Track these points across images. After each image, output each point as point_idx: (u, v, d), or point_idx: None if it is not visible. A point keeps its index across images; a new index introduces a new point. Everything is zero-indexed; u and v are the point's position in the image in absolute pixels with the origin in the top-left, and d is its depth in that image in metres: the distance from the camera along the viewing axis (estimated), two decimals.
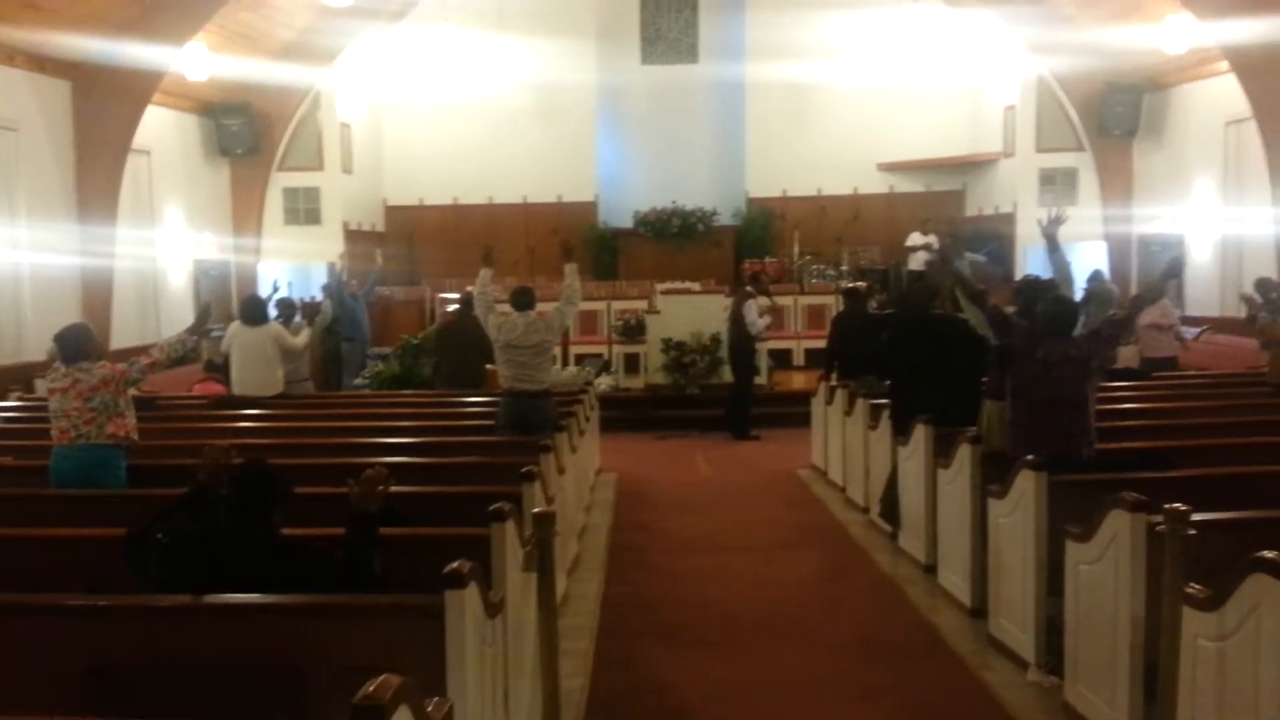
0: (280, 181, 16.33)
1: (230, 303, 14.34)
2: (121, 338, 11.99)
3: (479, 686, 3.43)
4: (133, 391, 6.11)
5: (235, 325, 8.95)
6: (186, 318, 14.19)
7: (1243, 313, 9.54)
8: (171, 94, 13.67)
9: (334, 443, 7.04)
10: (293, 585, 3.56)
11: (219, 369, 9.60)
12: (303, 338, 9.19)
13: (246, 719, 3.27)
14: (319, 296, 13.25)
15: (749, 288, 12.26)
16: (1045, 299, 5.71)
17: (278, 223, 16.35)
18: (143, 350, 6.57)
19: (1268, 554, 3.19)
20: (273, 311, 9.57)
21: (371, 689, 2.23)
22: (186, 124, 14.78)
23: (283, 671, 3.30)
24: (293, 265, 15.98)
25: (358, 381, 12.90)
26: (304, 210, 16.49)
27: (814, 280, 16.48)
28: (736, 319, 11.69)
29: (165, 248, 13.95)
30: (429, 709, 2.46)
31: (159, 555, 3.71)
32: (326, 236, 16.40)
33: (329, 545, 3.86)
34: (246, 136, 15.32)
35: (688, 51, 18.93)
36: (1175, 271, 7.25)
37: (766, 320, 12.04)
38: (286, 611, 3.43)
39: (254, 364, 8.68)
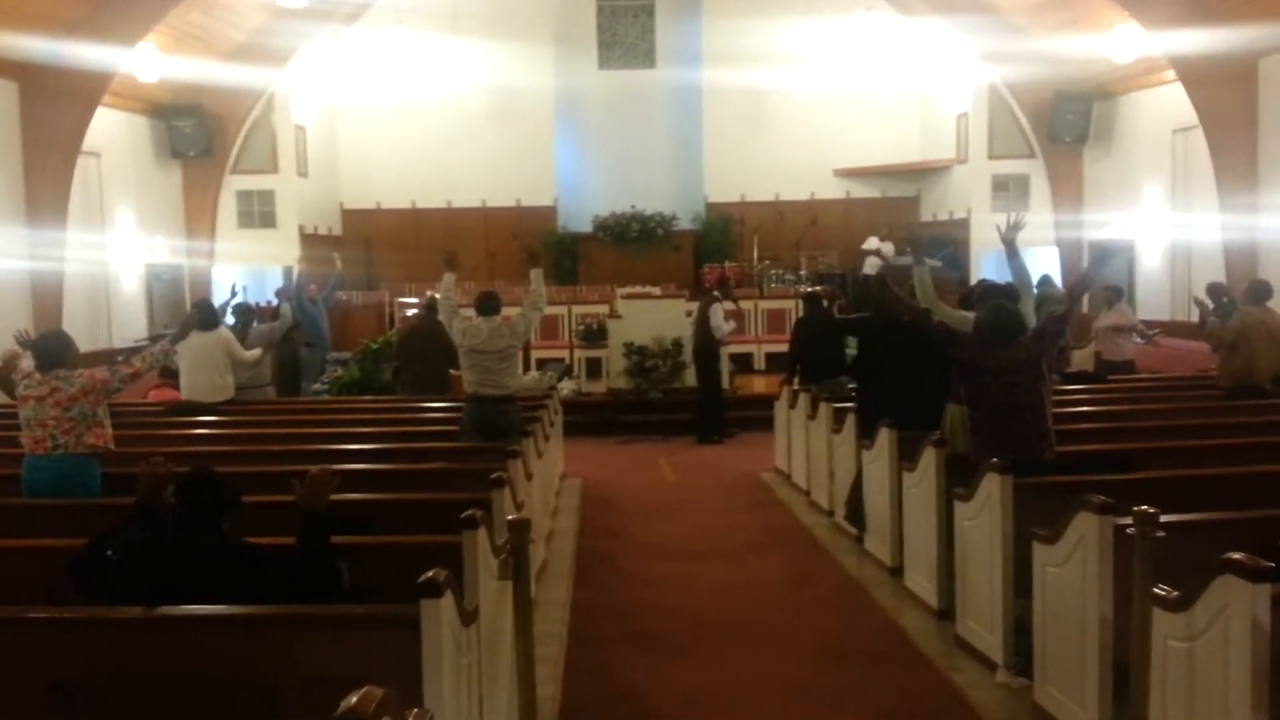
0: (234, 184, 16.11)
1: (185, 307, 14.10)
2: None
3: (455, 696, 3.39)
4: None
5: None
6: (139, 322, 13.97)
7: (1195, 317, 9.73)
8: (122, 95, 13.43)
9: (294, 449, 6.92)
10: (251, 592, 3.50)
11: (174, 375, 9.42)
12: (253, 354, 9.04)
13: None
14: (275, 301, 13.06)
15: (716, 292, 12.29)
16: (986, 308, 5.63)
17: (231, 226, 16.13)
18: (99, 355, 6.43)
19: (1236, 555, 3.24)
20: (230, 319, 9.41)
21: (355, 701, 2.19)
22: (137, 126, 14.53)
23: (254, 683, 3.24)
24: (247, 269, 15.75)
25: (316, 387, 12.72)
26: (258, 213, 16.28)
27: (773, 285, 16.59)
28: (702, 323, 11.71)
29: (116, 251, 13.70)
30: None
31: (112, 572, 3.64)
32: (281, 240, 16.19)
33: (287, 553, 3.79)
34: (199, 138, 15.10)
35: (645, 57, 18.97)
36: (1104, 257, 7.21)
37: (732, 324, 12.09)
38: (258, 622, 3.36)
39: (203, 370, 8.54)
